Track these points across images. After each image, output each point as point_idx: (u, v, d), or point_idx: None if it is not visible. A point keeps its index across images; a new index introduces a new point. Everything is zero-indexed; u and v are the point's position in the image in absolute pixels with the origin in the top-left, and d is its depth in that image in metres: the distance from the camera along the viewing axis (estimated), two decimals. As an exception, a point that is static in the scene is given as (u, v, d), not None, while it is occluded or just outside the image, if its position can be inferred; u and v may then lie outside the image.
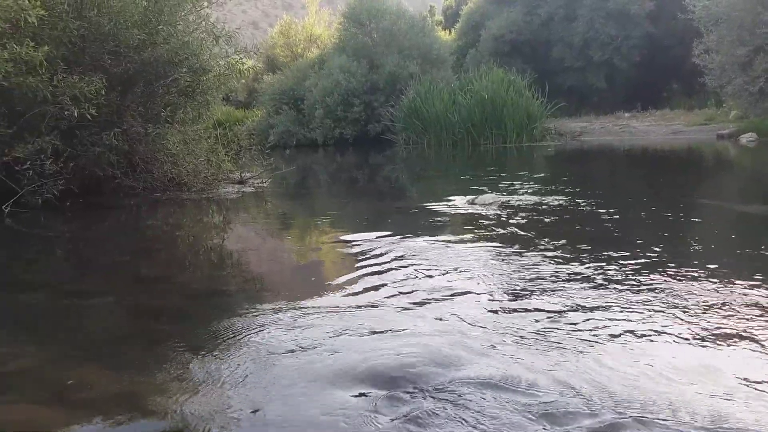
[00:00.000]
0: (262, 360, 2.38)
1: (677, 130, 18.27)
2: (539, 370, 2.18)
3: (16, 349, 2.72)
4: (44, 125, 6.89)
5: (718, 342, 2.41)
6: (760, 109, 16.49)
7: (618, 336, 2.50)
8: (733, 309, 2.75)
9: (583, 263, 3.66)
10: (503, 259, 3.88)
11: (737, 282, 3.14)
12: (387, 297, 3.17)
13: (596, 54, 26.03)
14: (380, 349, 2.43)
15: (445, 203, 6.42)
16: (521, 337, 2.52)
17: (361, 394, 2.05)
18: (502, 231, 4.85)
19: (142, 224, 6.81)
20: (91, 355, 2.60)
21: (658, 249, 3.95)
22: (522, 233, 4.70)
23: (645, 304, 2.86)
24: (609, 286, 3.17)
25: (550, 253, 3.95)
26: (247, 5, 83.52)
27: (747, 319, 2.62)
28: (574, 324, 2.65)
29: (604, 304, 2.89)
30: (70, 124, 7.06)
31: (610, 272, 3.43)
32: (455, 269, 3.65)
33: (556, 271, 3.50)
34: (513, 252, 4.07)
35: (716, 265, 3.48)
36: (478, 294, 3.15)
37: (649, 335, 2.50)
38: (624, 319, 2.68)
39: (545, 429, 1.80)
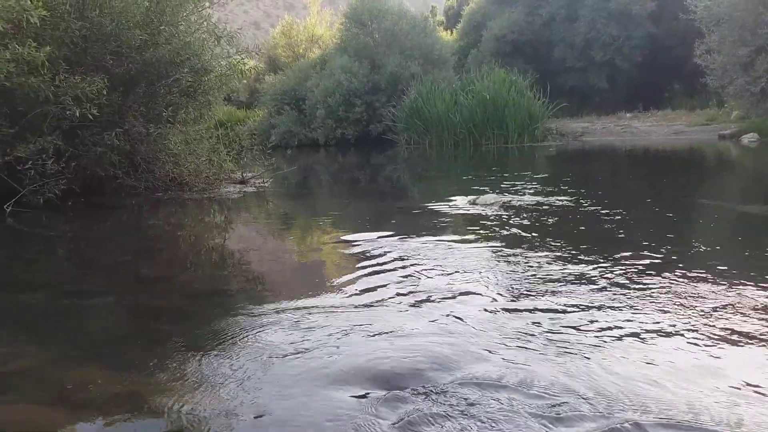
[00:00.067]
0: (263, 360, 2.38)
1: (679, 131, 18.24)
2: (543, 371, 2.18)
3: (16, 349, 2.72)
4: (46, 125, 6.90)
5: (724, 343, 2.40)
6: (762, 109, 16.47)
7: (623, 337, 2.49)
8: (738, 310, 2.74)
9: (585, 264, 3.66)
10: (505, 260, 3.88)
11: (742, 283, 3.12)
12: (389, 297, 3.17)
13: (598, 54, 26.00)
14: (382, 350, 2.43)
15: (446, 203, 6.42)
16: (524, 338, 2.51)
17: (362, 395, 2.05)
18: (503, 231, 4.84)
19: (144, 224, 6.81)
20: (91, 355, 2.61)
21: (661, 250, 3.94)
22: (523, 234, 4.70)
23: (649, 305, 2.85)
24: (612, 287, 3.16)
25: (551, 254, 3.95)
26: (249, 5, 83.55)
27: (754, 321, 2.62)
28: (578, 325, 2.64)
29: (607, 305, 2.89)
30: (71, 124, 7.07)
31: (613, 273, 3.43)
32: (457, 270, 3.65)
33: (558, 272, 3.49)
34: (514, 252, 4.06)
35: (720, 266, 3.47)
36: (480, 295, 3.15)
37: (655, 336, 2.49)
38: (628, 320, 2.67)
39: (549, 431, 1.80)
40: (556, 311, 2.82)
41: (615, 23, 25.55)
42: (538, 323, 2.67)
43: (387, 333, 2.62)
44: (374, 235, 4.82)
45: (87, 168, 7.58)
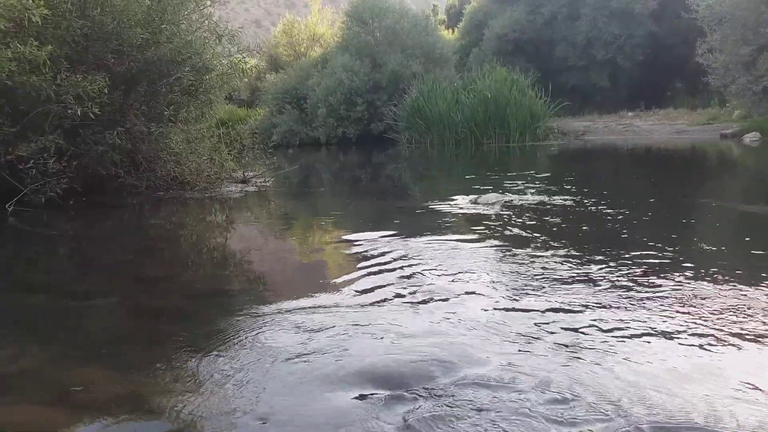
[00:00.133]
0: (264, 361, 2.37)
1: (680, 130, 18.23)
2: (548, 373, 2.17)
3: (17, 350, 2.72)
4: (47, 124, 6.90)
5: (731, 345, 2.39)
6: (764, 108, 16.45)
7: (628, 338, 2.48)
8: (745, 311, 2.73)
9: (588, 264, 3.65)
10: (508, 260, 3.87)
11: (747, 283, 3.12)
12: (391, 298, 3.16)
13: (599, 53, 25.97)
14: (385, 351, 2.43)
15: (447, 203, 6.42)
16: (528, 339, 2.51)
17: (365, 396, 2.04)
18: (505, 231, 4.84)
19: (145, 223, 6.81)
20: (92, 355, 2.60)
21: (664, 250, 3.93)
22: (525, 233, 4.69)
23: (655, 306, 2.85)
24: (615, 288, 3.16)
25: (554, 254, 3.94)
26: (250, 4, 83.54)
27: (761, 322, 2.61)
28: (582, 326, 2.64)
29: (611, 306, 2.88)
30: (73, 122, 7.07)
31: (616, 274, 3.42)
32: (459, 270, 3.65)
33: (561, 272, 3.49)
34: (517, 252, 4.06)
35: (724, 267, 3.46)
36: (483, 295, 3.14)
37: (662, 338, 2.48)
38: (634, 321, 2.67)
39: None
40: (559, 312, 2.82)
41: (617, 22, 25.52)
42: (543, 324, 2.67)
43: (390, 334, 2.61)
44: (376, 234, 4.82)
45: (88, 167, 7.58)
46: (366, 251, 4.26)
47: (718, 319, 2.66)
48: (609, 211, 5.54)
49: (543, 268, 3.60)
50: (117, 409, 2.05)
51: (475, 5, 32.24)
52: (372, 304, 3.07)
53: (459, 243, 4.44)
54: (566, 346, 2.42)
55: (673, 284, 3.16)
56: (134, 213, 7.32)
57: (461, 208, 6.07)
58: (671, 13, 23.57)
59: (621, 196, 7.07)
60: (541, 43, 28.11)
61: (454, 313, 2.86)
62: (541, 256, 3.90)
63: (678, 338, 2.47)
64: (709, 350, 2.35)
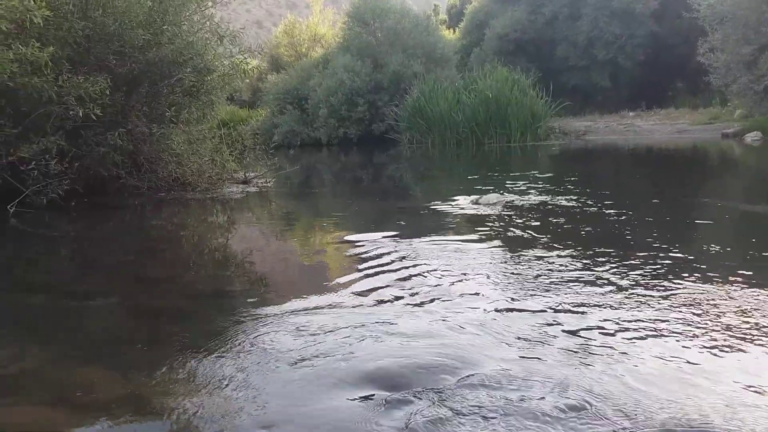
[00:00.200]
0: (266, 362, 2.37)
1: (682, 129, 18.23)
2: (552, 374, 2.16)
3: (18, 350, 2.72)
4: (49, 125, 6.91)
5: (738, 347, 2.38)
6: (765, 107, 16.46)
7: (633, 340, 2.47)
8: (752, 313, 2.73)
9: (591, 265, 3.65)
10: (510, 261, 3.87)
11: (753, 285, 3.11)
12: (393, 299, 3.16)
13: (600, 53, 25.98)
14: (387, 352, 2.43)
15: (449, 203, 6.42)
16: (533, 340, 2.50)
17: (367, 398, 2.04)
18: (506, 232, 4.84)
19: (147, 224, 6.82)
20: (93, 356, 2.61)
21: (667, 250, 3.93)
22: (526, 234, 4.69)
23: (660, 308, 2.83)
24: (618, 288, 3.16)
25: (556, 254, 3.94)
26: (251, 4, 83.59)
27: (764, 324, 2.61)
28: (586, 327, 2.63)
29: (615, 306, 2.88)
30: (75, 124, 7.08)
31: (619, 274, 3.42)
32: (461, 271, 3.65)
33: (563, 273, 3.49)
34: (519, 253, 4.06)
35: (728, 268, 3.45)
36: (485, 296, 3.14)
37: (669, 339, 2.46)
38: (638, 321, 2.66)
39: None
40: (564, 313, 2.81)
41: (618, 22, 25.53)
42: (547, 325, 2.66)
43: (392, 335, 2.61)
44: (377, 235, 4.82)
45: (90, 168, 7.59)
46: (368, 252, 4.26)
47: (724, 320, 2.65)
48: (611, 211, 5.54)
49: (545, 269, 3.60)
50: (117, 409, 2.05)
51: (476, 5, 32.27)
52: (374, 305, 3.07)
53: (460, 244, 4.44)
54: (571, 347, 2.41)
55: (677, 285, 3.16)
56: (136, 214, 7.33)
57: (462, 209, 6.08)
58: (672, 13, 23.58)
59: (622, 197, 7.07)
60: (542, 43, 28.13)
61: (456, 314, 2.85)
62: (543, 256, 3.91)
63: (684, 340, 2.45)
64: (714, 352, 2.34)
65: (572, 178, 8.78)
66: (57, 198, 6.87)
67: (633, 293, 3.05)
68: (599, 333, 2.55)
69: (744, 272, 3.34)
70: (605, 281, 3.28)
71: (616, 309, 2.83)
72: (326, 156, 19.12)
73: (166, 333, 2.96)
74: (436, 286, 3.34)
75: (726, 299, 2.90)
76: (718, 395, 1.99)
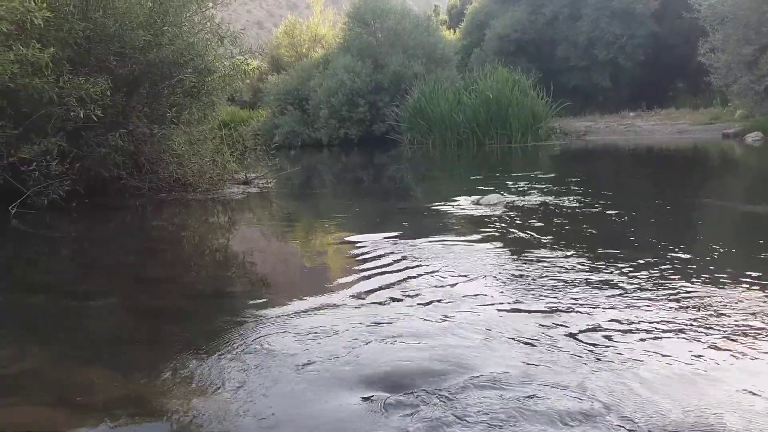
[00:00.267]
0: (266, 363, 2.38)
1: (682, 129, 18.21)
2: (555, 375, 2.16)
3: (18, 350, 2.73)
4: (50, 126, 6.91)
5: (746, 349, 2.38)
6: (766, 108, 16.44)
7: (637, 341, 2.46)
8: (758, 315, 2.72)
9: (591, 266, 3.65)
10: (512, 261, 3.87)
11: (757, 286, 3.10)
12: (394, 300, 3.16)
13: (601, 53, 25.98)
14: (389, 353, 2.43)
15: (450, 204, 6.42)
16: (536, 341, 2.49)
17: (368, 399, 2.04)
18: (507, 232, 4.84)
19: (148, 225, 6.82)
20: (94, 356, 2.61)
21: (670, 251, 3.92)
22: (528, 235, 4.69)
23: (665, 309, 2.83)
24: (620, 289, 3.15)
25: (558, 255, 3.94)
26: (252, 5, 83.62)
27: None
28: (588, 328, 2.63)
29: (617, 307, 2.88)
30: (75, 125, 7.08)
31: (621, 275, 3.41)
32: (463, 272, 3.64)
33: (565, 274, 3.49)
34: (520, 254, 4.06)
35: (731, 269, 3.43)
36: (487, 297, 3.13)
37: (677, 341, 2.45)
38: (640, 322, 2.66)
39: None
40: (566, 314, 2.81)
41: (618, 22, 25.53)
42: (550, 326, 2.65)
43: (393, 336, 2.61)
44: (378, 236, 4.82)
45: (91, 169, 7.59)
46: (369, 253, 4.26)
47: (733, 322, 2.64)
48: (612, 212, 5.53)
49: (547, 270, 3.60)
50: (118, 410, 2.05)
51: (476, 5, 32.28)
52: (375, 306, 3.07)
53: (462, 245, 4.44)
54: (574, 349, 2.41)
55: (681, 287, 3.15)
56: (137, 214, 7.33)
57: (463, 209, 6.07)
58: (673, 13, 23.58)
59: (623, 197, 7.07)
60: (542, 44, 28.13)
61: (458, 316, 2.84)
62: (544, 257, 3.90)
63: (691, 342, 2.44)
64: (725, 355, 2.32)
65: (573, 179, 8.77)
66: (58, 199, 6.87)
67: (635, 294, 3.05)
68: (604, 335, 2.54)
69: (747, 273, 3.33)
70: (607, 282, 3.28)
71: (620, 310, 2.82)
72: (327, 157, 19.12)
73: (166, 333, 2.96)
74: (437, 287, 3.34)
75: (732, 301, 2.89)
76: (729, 398, 1.98)
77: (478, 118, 18.64)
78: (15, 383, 2.35)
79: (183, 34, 8.33)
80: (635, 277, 3.34)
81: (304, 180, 11.78)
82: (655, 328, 2.58)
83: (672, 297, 2.97)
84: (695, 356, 2.30)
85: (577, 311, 2.83)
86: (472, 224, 5.31)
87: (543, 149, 16.04)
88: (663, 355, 2.31)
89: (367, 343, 2.52)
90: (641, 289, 3.11)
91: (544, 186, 7.64)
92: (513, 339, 2.52)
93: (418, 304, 3.05)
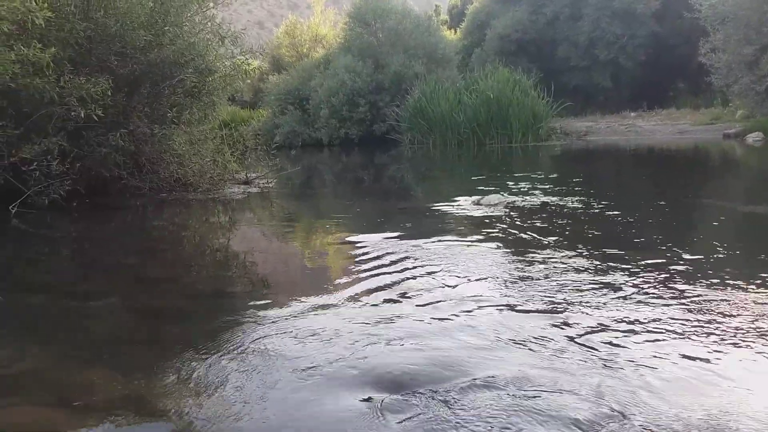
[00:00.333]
0: (267, 363, 2.37)
1: (683, 130, 18.21)
2: (558, 376, 2.16)
3: (18, 351, 2.73)
4: (51, 126, 6.92)
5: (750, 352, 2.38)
6: (767, 108, 16.43)
7: (640, 342, 2.45)
8: (764, 315, 2.72)
9: (593, 266, 3.65)
10: (513, 262, 3.87)
11: (761, 287, 3.10)
12: (395, 300, 3.16)
13: (602, 53, 25.99)
14: (389, 354, 2.42)
15: (450, 204, 6.42)
16: (538, 342, 2.49)
17: (367, 399, 2.04)
18: (508, 233, 4.84)
19: (148, 225, 6.83)
20: (94, 356, 2.61)
21: (673, 252, 3.91)
22: (529, 235, 4.69)
23: (669, 309, 2.83)
24: (622, 290, 3.15)
25: (560, 256, 3.93)
26: (253, 5, 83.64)
27: None
28: (590, 329, 2.63)
29: (618, 308, 2.88)
30: (76, 125, 7.09)
31: (623, 276, 3.41)
32: (464, 272, 3.64)
33: (566, 274, 3.48)
34: (522, 254, 4.06)
35: (734, 270, 3.42)
36: (488, 298, 3.12)
37: (684, 343, 2.44)
38: (650, 322, 2.65)
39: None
40: (568, 314, 2.81)
41: (619, 22, 25.54)
42: (552, 327, 2.64)
43: (394, 337, 2.60)
44: (379, 236, 4.82)
45: (92, 169, 7.60)
46: (369, 253, 4.26)
47: (736, 323, 2.64)
48: (613, 212, 5.53)
49: (548, 270, 3.60)
50: (118, 410, 2.05)
51: (477, 5, 32.30)
52: (376, 307, 3.07)
53: (462, 245, 4.44)
54: (576, 350, 2.41)
55: (683, 288, 3.14)
56: (137, 214, 7.33)
57: (464, 210, 6.07)
58: (673, 13, 23.58)
59: (624, 197, 7.07)
60: (543, 44, 28.14)
61: (460, 316, 2.84)
62: (545, 258, 3.90)
63: (695, 343, 2.44)
64: (735, 357, 2.32)
65: (574, 179, 8.77)
66: (58, 198, 6.88)
67: (637, 295, 3.04)
68: (607, 336, 2.52)
69: (750, 274, 3.32)
70: (609, 283, 3.27)
71: (622, 311, 2.82)
72: (327, 156, 19.13)
73: (166, 333, 2.96)
74: (438, 288, 3.34)
75: (737, 302, 2.88)
76: (738, 401, 1.98)
77: (479, 118, 18.65)
78: (15, 383, 2.35)
79: (184, 34, 8.34)
80: (637, 278, 3.33)
81: (305, 180, 11.78)
82: (658, 329, 2.57)
83: (676, 298, 2.96)
84: (703, 358, 2.28)
85: (579, 312, 2.82)
86: (473, 225, 5.31)
87: (544, 149, 16.04)
88: (664, 356, 2.30)
89: (367, 345, 2.52)
90: (643, 290, 3.10)
91: (544, 186, 7.64)
92: (514, 340, 2.51)
93: (419, 305, 3.05)
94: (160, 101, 8.65)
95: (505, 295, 3.14)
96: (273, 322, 2.86)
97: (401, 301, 3.12)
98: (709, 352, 2.33)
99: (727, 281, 3.19)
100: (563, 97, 20.27)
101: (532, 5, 28.38)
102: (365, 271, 3.78)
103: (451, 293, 3.22)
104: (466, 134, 18.91)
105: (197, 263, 4.72)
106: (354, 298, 3.22)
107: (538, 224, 5.09)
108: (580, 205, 5.94)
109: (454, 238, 4.72)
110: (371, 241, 4.63)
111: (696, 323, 2.62)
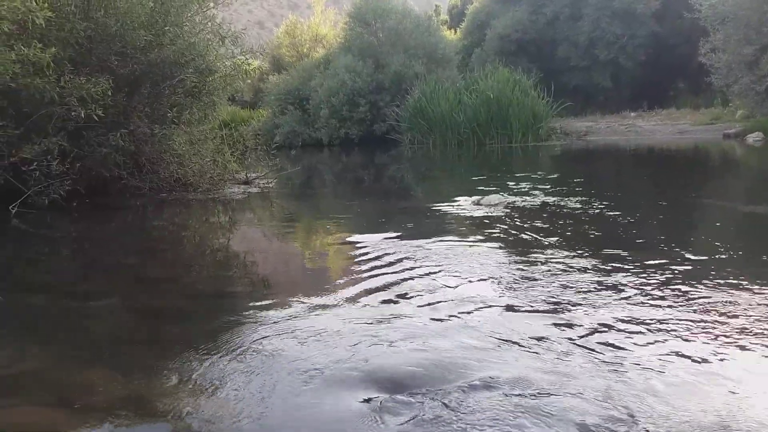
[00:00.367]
0: (267, 364, 2.37)
1: (683, 130, 18.21)
2: (559, 377, 2.16)
3: (18, 351, 2.73)
4: (51, 126, 6.92)
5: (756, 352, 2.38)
6: (767, 108, 16.43)
7: (648, 343, 2.45)
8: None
9: (594, 266, 3.64)
10: (513, 262, 3.87)
11: (762, 288, 3.11)
12: (395, 301, 3.15)
13: (602, 53, 25.98)
14: (390, 354, 2.42)
15: (450, 204, 6.42)
16: (539, 342, 2.48)
17: (367, 400, 2.04)
18: (508, 233, 4.84)
19: (148, 225, 6.83)
20: (94, 357, 2.61)
21: (675, 252, 3.91)
22: (529, 235, 4.69)
23: (672, 309, 2.82)
24: (623, 291, 3.15)
25: (559, 256, 3.93)
26: (253, 5, 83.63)
27: None
28: (591, 329, 2.63)
29: (621, 308, 2.87)
30: (77, 125, 7.09)
31: (624, 276, 3.41)
32: (465, 272, 3.63)
33: (567, 274, 3.48)
34: (522, 254, 4.06)
35: (737, 270, 3.41)
36: (489, 298, 3.12)
37: (687, 344, 2.43)
38: (653, 322, 2.65)
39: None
40: (569, 314, 2.81)
41: (619, 22, 25.53)
42: (553, 327, 2.64)
43: (395, 337, 2.60)
44: (379, 236, 4.82)
45: (92, 169, 7.60)
46: (369, 253, 4.26)
47: (741, 323, 2.64)
48: (613, 212, 5.53)
49: (549, 270, 3.60)
50: (118, 410, 2.05)
51: (477, 5, 32.29)
52: (376, 307, 3.07)
53: (463, 245, 4.44)
54: (577, 350, 2.41)
55: (685, 289, 3.14)
56: (137, 214, 7.33)
57: (464, 210, 6.07)
58: (673, 13, 23.57)
59: (625, 197, 7.06)
60: (543, 44, 28.14)
61: (461, 317, 2.83)
62: (546, 258, 3.90)
63: (696, 344, 2.43)
64: (727, 358, 2.32)
65: (574, 179, 8.77)
66: (59, 198, 6.88)
67: (639, 295, 3.04)
68: (609, 337, 2.52)
69: (752, 274, 3.32)
70: (610, 283, 3.27)
71: (624, 311, 2.81)
72: (327, 156, 19.12)
73: (166, 333, 2.96)
74: (438, 288, 3.34)
75: (742, 302, 2.89)
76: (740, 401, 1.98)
77: (479, 118, 18.64)
78: (15, 383, 2.35)
79: (184, 34, 8.34)
80: (638, 278, 3.33)
81: (305, 180, 11.78)
82: (661, 330, 2.56)
83: (678, 299, 2.96)
84: (707, 360, 2.28)
85: (581, 313, 2.82)
86: (473, 225, 5.31)
87: (544, 149, 16.04)
88: (668, 357, 2.30)
89: (368, 345, 2.52)
90: (645, 291, 3.10)
91: (545, 186, 7.64)
92: (514, 341, 2.51)
93: (419, 305, 3.05)
94: (160, 101, 8.66)
95: (506, 296, 3.14)
96: (273, 322, 2.86)
97: (402, 302, 3.12)
98: (713, 354, 2.32)
99: (730, 282, 3.18)
100: (563, 97, 20.26)
101: (532, 5, 28.37)
102: (365, 271, 3.77)
103: (451, 294, 3.21)
104: (466, 134, 18.91)
105: (197, 263, 4.72)
106: (354, 299, 3.22)
107: (538, 224, 5.09)
108: (580, 205, 5.94)
109: (455, 238, 4.72)
110: (371, 242, 4.63)
111: (699, 324, 2.62)
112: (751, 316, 2.68)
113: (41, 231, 6.28)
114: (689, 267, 3.51)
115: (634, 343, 2.43)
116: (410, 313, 2.92)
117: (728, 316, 2.69)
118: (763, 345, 2.38)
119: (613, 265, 3.62)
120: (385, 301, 3.14)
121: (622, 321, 2.68)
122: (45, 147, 6.72)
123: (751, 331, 2.51)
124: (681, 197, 6.78)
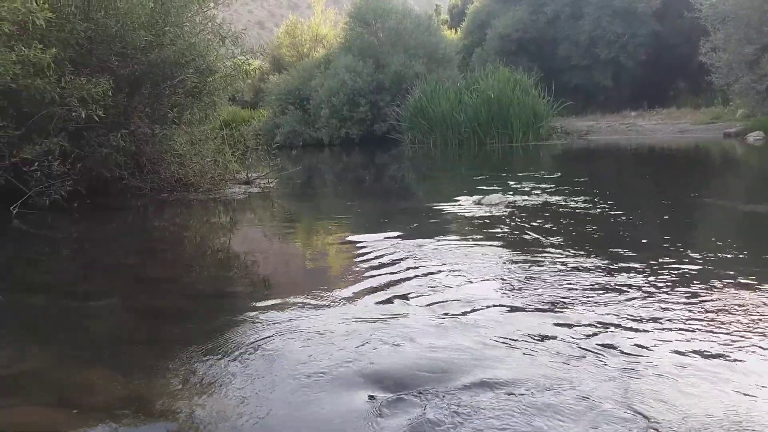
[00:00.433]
0: (267, 364, 2.37)
1: (684, 129, 18.20)
2: (559, 377, 2.15)
3: (18, 351, 2.73)
4: (52, 127, 6.92)
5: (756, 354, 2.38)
6: (767, 107, 16.42)
7: (649, 343, 2.44)
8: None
9: (594, 266, 3.64)
10: (514, 262, 3.87)
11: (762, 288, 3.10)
12: (395, 301, 3.15)
13: (602, 52, 25.97)
14: (390, 354, 2.42)
15: (451, 204, 6.41)
16: (540, 342, 2.49)
17: (368, 399, 2.04)
18: (509, 232, 4.84)
19: (149, 225, 6.82)
20: (95, 357, 2.61)
21: (676, 252, 3.91)
22: (530, 235, 4.68)
23: (677, 309, 2.82)
24: (624, 291, 3.14)
25: (562, 256, 3.93)
26: (253, 5, 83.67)
27: None
28: (592, 329, 2.63)
29: (622, 308, 2.87)
30: (77, 125, 7.09)
31: (625, 277, 3.41)
32: (465, 272, 3.63)
33: (568, 274, 3.48)
34: (522, 254, 4.05)
35: (737, 271, 3.41)
36: (490, 298, 3.12)
37: (688, 343, 2.43)
38: (654, 322, 2.65)
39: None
40: (569, 314, 2.81)
41: (620, 21, 25.52)
42: (554, 327, 2.64)
43: (395, 337, 2.60)
44: (380, 236, 4.82)
45: (93, 169, 7.60)
46: (370, 253, 4.26)
47: (743, 323, 2.64)
48: (614, 212, 5.53)
49: (549, 269, 3.59)
50: (118, 411, 2.05)
51: (477, 5, 32.28)
52: (377, 307, 3.07)
53: (464, 245, 4.44)
54: (579, 350, 2.41)
55: (687, 289, 3.14)
56: (138, 215, 7.33)
57: (465, 209, 6.07)
58: (674, 13, 23.56)
59: (626, 197, 7.06)
60: (544, 43, 28.12)
61: (460, 317, 2.83)
62: (546, 257, 3.90)
63: (701, 344, 2.43)
64: (730, 359, 2.32)
65: (575, 179, 8.76)
66: (59, 199, 6.88)
67: (640, 295, 3.04)
68: (611, 336, 2.52)
69: (754, 273, 3.31)
70: (611, 283, 3.27)
71: (625, 311, 2.81)
72: (328, 156, 19.12)
73: (166, 333, 2.96)
74: (439, 288, 3.33)
75: (745, 302, 2.89)
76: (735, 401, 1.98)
77: (480, 118, 18.63)
78: (15, 383, 2.35)
79: (184, 35, 8.34)
80: (640, 277, 3.33)
81: (306, 180, 11.77)
82: (665, 329, 2.56)
83: (681, 298, 2.95)
84: (714, 359, 2.28)
85: (583, 312, 2.81)
86: (474, 225, 5.31)
87: (544, 149, 16.03)
88: (669, 356, 2.30)
89: (369, 345, 2.52)
90: (647, 290, 3.09)
91: (546, 186, 7.63)
92: (517, 341, 2.51)
93: (420, 305, 3.04)
94: (160, 101, 8.66)
95: (508, 296, 3.14)
96: (273, 322, 2.86)
97: (403, 302, 3.12)
98: (718, 353, 2.32)
99: (731, 281, 3.18)
100: (564, 97, 20.25)
101: (533, 4, 28.36)
102: (366, 271, 3.77)
103: (453, 293, 3.21)
104: (467, 134, 18.90)
105: (198, 263, 4.72)
106: (355, 299, 3.21)
107: (539, 224, 5.09)
108: (581, 205, 5.93)
109: (456, 238, 4.72)
110: (372, 242, 4.63)
111: (703, 323, 2.62)
112: (754, 315, 2.68)
113: (42, 231, 6.28)
114: (691, 266, 3.50)
115: (638, 343, 2.42)
116: (411, 313, 2.91)
117: (731, 316, 2.68)
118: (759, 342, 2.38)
119: (615, 264, 3.61)
120: (386, 301, 3.14)
121: (625, 320, 2.67)
122: (46, 147, 6.72)
123: (755, 330, 2.51)
124: (682, 196, 6.77)
